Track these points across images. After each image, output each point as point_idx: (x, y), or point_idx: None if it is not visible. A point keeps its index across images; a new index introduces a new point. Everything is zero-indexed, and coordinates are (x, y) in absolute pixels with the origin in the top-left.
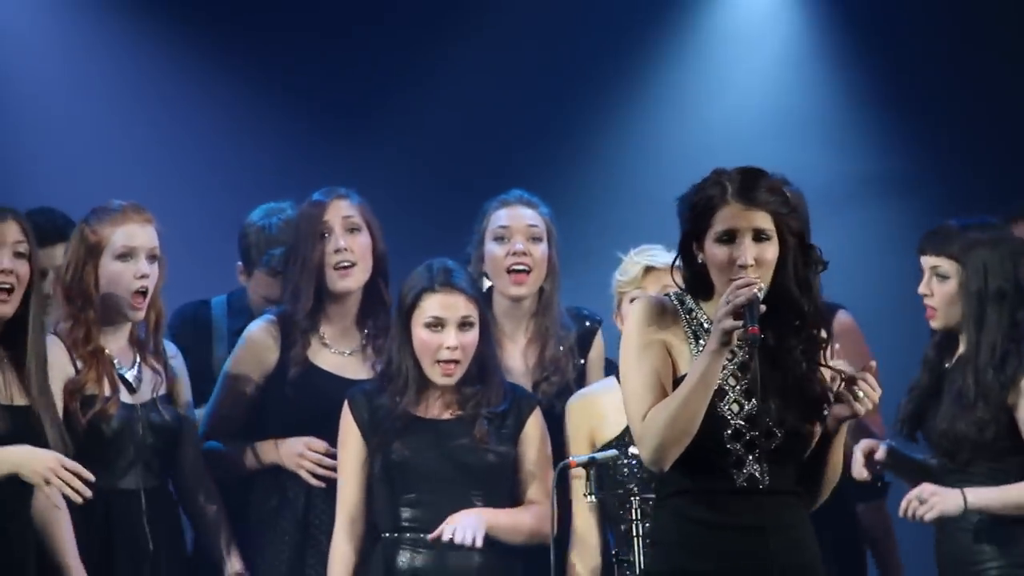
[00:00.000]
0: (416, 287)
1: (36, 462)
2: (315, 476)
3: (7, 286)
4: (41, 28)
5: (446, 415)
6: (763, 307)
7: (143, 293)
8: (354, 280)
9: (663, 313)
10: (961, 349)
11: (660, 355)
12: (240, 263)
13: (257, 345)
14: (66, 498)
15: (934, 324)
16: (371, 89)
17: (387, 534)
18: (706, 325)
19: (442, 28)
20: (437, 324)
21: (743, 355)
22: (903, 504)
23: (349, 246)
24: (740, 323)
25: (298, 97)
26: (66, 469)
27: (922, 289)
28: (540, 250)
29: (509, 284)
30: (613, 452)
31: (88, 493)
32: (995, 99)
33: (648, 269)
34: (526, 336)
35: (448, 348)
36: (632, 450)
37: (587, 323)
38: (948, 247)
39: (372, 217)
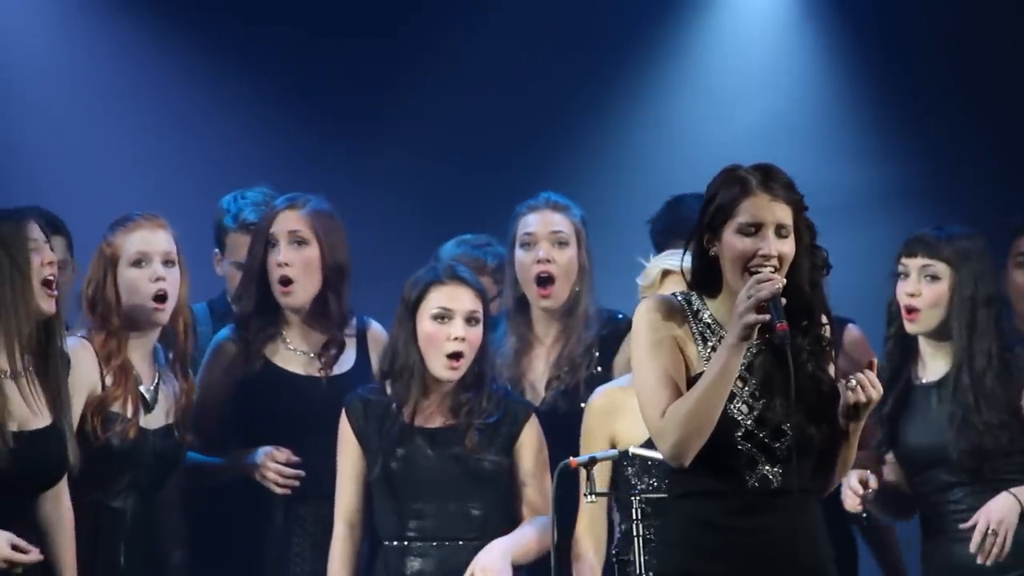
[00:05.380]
0: (422, 281)
1: None
2: (279, 484)
3: (54, 278)
4: (42, 28)
5: (441, 423)
6: (784, 300)
7: (162, 297)
8: (294, 298)
9: (671, 312)
10: (928, 358)
11: (672, 351)
12: (216, 250)
13: (224, 353)
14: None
15: (914, 327)
16: (376, 90)
17: (388, 542)
18: (712, 325)
19: (447, 28)
20: (444, 316)
21: (750, 356)
22: (983, 553)
23: (290, 260)
24: (764, 317)
25: (302, 98)
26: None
27: (910, 289)
28: (567, 256)
29: (537, 296)
30: (614, 452)
31: None
32: (1002, 109)
33: (666, 273)
34: (553, 336)
35: (456, 339)
36: (632, 450)
37: (619, 327)
38: (941, 250)
39: (328, 228)
